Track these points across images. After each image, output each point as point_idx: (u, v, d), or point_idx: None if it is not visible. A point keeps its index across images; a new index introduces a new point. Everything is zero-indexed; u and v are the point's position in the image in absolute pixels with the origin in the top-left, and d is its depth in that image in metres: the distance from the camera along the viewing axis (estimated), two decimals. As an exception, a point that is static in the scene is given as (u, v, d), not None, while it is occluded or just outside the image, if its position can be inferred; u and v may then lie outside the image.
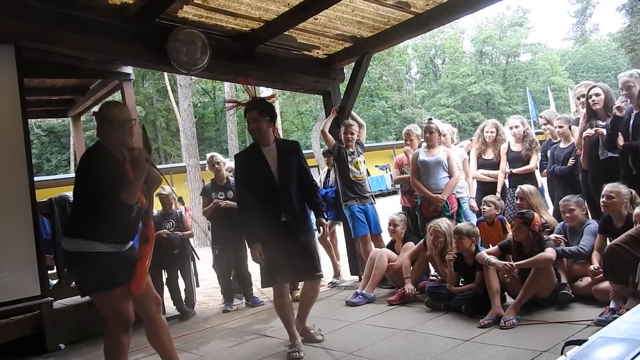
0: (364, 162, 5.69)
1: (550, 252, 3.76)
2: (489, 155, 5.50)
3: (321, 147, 7.45)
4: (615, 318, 3.04)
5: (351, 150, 5.57)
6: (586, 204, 4.82)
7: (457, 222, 4.72)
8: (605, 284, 3.59)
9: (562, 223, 4.27)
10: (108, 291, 2.81)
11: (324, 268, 6.11)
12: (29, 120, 4.89)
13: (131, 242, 3.03)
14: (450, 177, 4.98)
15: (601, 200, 3.83)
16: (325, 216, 3.87)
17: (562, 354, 1.26)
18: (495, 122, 5.69)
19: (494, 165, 5.42)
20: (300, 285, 5.33)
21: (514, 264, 3.85)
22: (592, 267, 3.77)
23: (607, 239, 3.86)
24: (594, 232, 4.00)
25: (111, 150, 2.89)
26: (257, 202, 3.62)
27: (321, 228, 3.83)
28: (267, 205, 3.60)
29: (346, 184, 5.53)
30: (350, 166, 5.51)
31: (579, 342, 1.28)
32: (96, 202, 2.78)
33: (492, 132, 5.49)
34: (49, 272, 4.99)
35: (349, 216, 5.51)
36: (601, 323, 3.19)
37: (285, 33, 5.34)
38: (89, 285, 2.90)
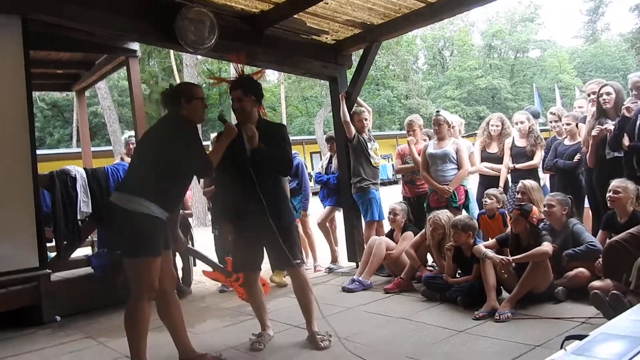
0: (378, 149, 5.79)
1: (547, 246, 3.77)
2: (494, 149, 5.48)
3: (324, 134, 7.43)
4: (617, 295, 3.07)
5: (367, 137, 5.64)
6: (587, 202, 4.82)
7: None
8: (601, 282, 3.59)
9: (543, 223, 4.24)
10: (154, 257, 2.84)
11: (321, 253, 6.21)
12: (33, 93, 4.86)
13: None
14: (459, 168, 4.98)
15: (607, 194, 3.84)
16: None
17: (561, 348, 1.25)
18: (501, 115, 5.67)
19: (498, 159, 5.40)
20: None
21: (510, 258, 3.85)
22: (597, 262, 3.76)
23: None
24: (585, 230, 4.01)
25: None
26: (231, 183, 3.47)
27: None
28: (239, 188, 3.38)
29: (368, 169, 5.64)
30: (370, 152, 5.64)
31: (580, 337, 1.28)
32: (172, 169, 2.92)
33: (497, 125, 5.47)
34: (48, 244, 5.00)
35: (368, 200, 5.58)
36: (599, 300, 3.22)
37: (294, 16, 5.29)
38: (138, 247, 2.84)
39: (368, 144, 5.65)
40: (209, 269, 4.93)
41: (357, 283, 4.88)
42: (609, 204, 3.87)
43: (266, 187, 3.33)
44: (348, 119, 5.71)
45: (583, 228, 4.05)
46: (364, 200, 5.63)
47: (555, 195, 4.22)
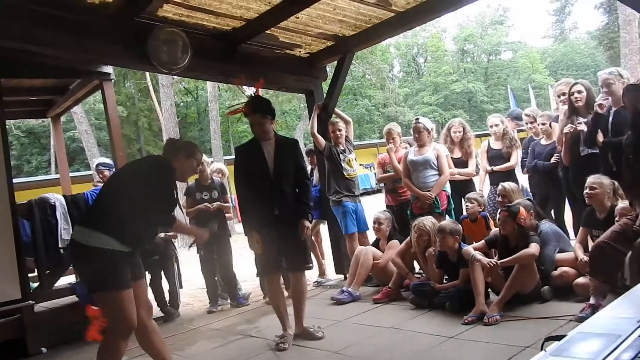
0: (355, 159, 5.75)
1: (534, 248, 3.80)
2: (457, 154, 5.56)
3: (304, 146, 7.41)
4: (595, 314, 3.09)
5: (342, 148, 5.62)
6: (566, 200, 4.90)
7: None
8: (585, 279, 3.64)
9: (495, 231, 4.26)
10: (121, 291, 2.78)
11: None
12: (7, 121, 4.79)
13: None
14: (440, 175, 5.02)
15: (584, 192, 3.89)
16: (310, 218, 3.92)
17: (541, 349, 1.27)
18: (462, 121, 5.80)
19: (463, 163, 5.49)
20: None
21: (498, 262, 3.87)
22: (580, 259, 3.81)
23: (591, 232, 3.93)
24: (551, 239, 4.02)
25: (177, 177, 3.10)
26: (253, 194, 3.77)
27: (303, 231, 3.81)
28: (262, 198, 3.74)
29: (340, 182, 5.56)
30: (343, 164, 5.57)
31: (558, 338, 1.30)
32: (139, 212, 2.85)
33: (459, 131, 5.56)
34: (30, 275, 4.91)
35: (342, 213, 5.53)
36: (582, 319, 3.23)
37: (267, 32, 5.31)
38: (102, 282, 2.79)
39: (341, 155, 5.58)
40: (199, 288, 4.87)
41: (346, 294, 4.87)
42: (586, 201, 3.92)
43: (286, 201, 3.78)
44: (315, 130, 5.69)
45: (550, 235, 4.05)
46: (339, 214, 5.59)
47: (522, 202, 4.21)
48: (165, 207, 3.00)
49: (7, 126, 4.72)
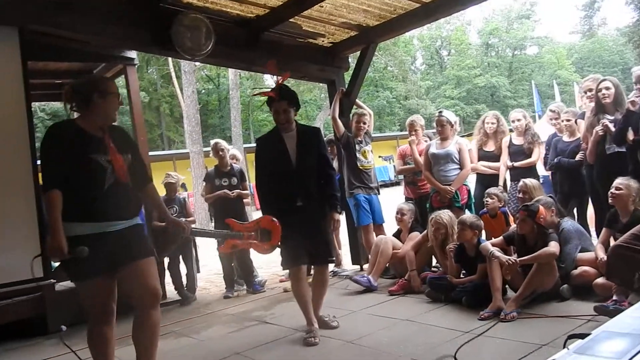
0: (371, 151, 5.70)
1: (554, 247, 3.74)
2: (490, 147, 5.46)
3: (324, 136, 7.40)
4: (617, 308, 3.05)
5: (359, 139, 5.57)
6: (591, 199, 4.81)
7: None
8: (605, 280, 3.58)
9: (513, 228, 4.20)
10: (83, 281, 2.65)
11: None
12: (32, 103, 4.87)
13: (129, 219, 2.74)
14: (461, 168, 4.97)
15: (609, 192, 3.81)
16: (339, 210, 3.85)
17: (564, 347, 1.24)
18: (497, 113, 5.65)
19: (495, 157, 5.38)
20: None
21: (517, 260, 3.81)
22: (599, 259, 3.74)
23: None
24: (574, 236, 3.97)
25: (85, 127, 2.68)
26: (275, 185, 3.71)
27: (332, 223, 3.78)
28: (284, 189, 3.68)
29: (353, 172, 5.52)
30: (358, 154, 5.53)
31: (582, 336, 1.27)
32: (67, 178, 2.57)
33: (493, 123, 5.45)
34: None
35: (354, 205, 5.51)
36: (603, 310, 3.19)
37: (290, 20, 5.31)
38: (68, 273, 2.72)
39: (357, 145, 5.54)
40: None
41: (366, 279, 4.88)
42: (610, 201, 3.84)
43: (309, 191, 3.70)
44: (337, 114, 5.65)
45: (572, 233, 4.00)
46: (351, 205, 5.57)
47: (544, 199, 4.16)
48: (44, 173, 2.64)
49: (32, 109, 4.78)
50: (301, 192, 3.67)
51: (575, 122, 4.96)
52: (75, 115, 2.76)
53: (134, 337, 2.74)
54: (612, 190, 3.79)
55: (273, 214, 3.60)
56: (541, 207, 3.91)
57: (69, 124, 2.74)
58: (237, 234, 3.64)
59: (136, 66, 6.09)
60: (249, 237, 3.58)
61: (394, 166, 17.71)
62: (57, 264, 4.98)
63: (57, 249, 2.47)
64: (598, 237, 4.10)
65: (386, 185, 22.17)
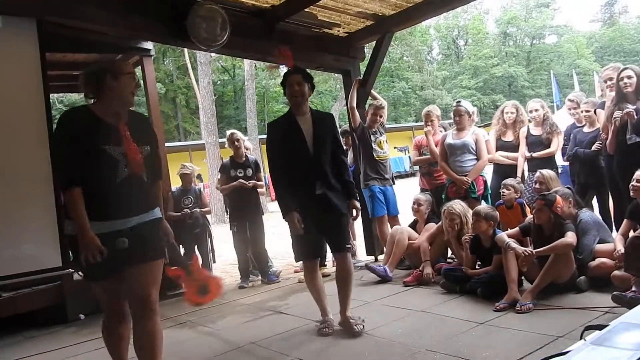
0: (386, 141, 5.68)
1: (570, 237, 3.69)
2: (509, 137, 5.39)
3: (339, 128, 7.37)
4: (636, 298, 3.00)
5: (373, 129, 5.55)
6: (609, 190, 4.73)
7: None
8: (623, 272, 3.53)
9: (529, 219, 4.14)
10: (96, 282, 2.58)
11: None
12: (50, 95, 4.93)
13: (143, 214, 2.56)
14: (478, 159, 4.93)
15: (631, 184, 3.75)
16: (357, 197, 3.72)
17: (581, 338, 1.23)
18: (516, 103, 5.58)
19: (514, 147, 5.31)
20: (328, 263, 5.39)
21: (534, 251, 3.77)
22: (617, 250, 3.69)
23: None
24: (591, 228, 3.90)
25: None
26: (291, 172, 3.50)
27: (354, 211, 3.63)
28: (301, 176, 3.48)
29: (369, 163, 5.51)
30: (373, 145, 5.51)
31: (599, 327, 1.25)
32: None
33: (512, 113, 5.38)
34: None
35: (369, 196, 5.50)
36: (621, 299, 3.16)
37: (305, 10, 5.28)
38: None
39: (372, 136, 5.52)
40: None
41: (382, 268, 4.88)
42: (631, 194, 3.78)
43: (327, 178, 3.51)
44: (354, 104, 5.62)
45: (590, 224, 3.94)
46: (366, 196, 5.55)
47: (562, 190, 4.10)
48: (56, 163, 2.57)
49: (50, 100, 4.84)
50: (319, 179, 3.47)
51: (595, 112, 4.88)
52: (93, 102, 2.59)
53: (135, 348, 2.59)
54: (634, 182, 3.72)
55: (291, 204, 3.44)
56: (558, 197, 3.87)
57: (82, 110, 2.55)
58: (188, 271, 3.14)
59: (152, 57, 6.13)
60: (192, 280, 3.15)
61: (410, 157, 17.66)
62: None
63: (89, 245, 2.36)
64: (615, 228, 4.04)
65: (401, 176, 22.08)
